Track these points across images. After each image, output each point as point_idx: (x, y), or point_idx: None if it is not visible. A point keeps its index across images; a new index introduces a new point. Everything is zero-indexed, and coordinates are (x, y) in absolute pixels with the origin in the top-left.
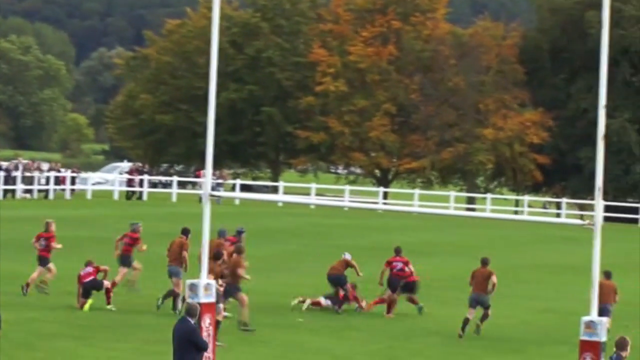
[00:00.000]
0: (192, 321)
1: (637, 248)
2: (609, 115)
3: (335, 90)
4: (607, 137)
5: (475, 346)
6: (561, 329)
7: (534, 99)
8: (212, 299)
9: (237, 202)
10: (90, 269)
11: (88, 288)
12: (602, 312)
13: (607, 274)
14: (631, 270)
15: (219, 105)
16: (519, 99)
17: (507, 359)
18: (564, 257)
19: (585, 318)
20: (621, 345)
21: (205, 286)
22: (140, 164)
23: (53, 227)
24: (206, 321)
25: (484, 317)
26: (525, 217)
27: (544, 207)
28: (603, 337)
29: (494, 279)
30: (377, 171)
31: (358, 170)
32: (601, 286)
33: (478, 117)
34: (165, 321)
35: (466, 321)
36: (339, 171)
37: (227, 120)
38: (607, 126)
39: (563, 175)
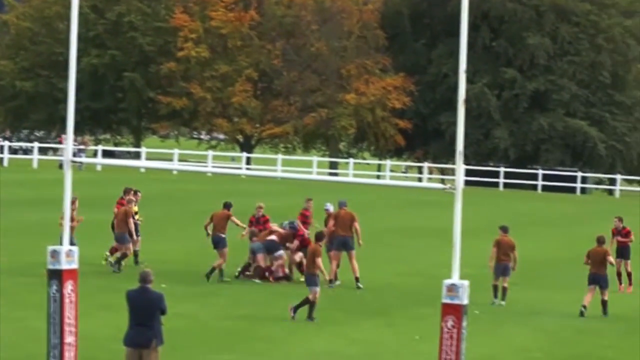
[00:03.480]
0: (150, 287)
1: (498, 211)
2: (469, 81)
3: (197, 55)
4: (467, 102)
5: (338, 309)
6: (424, 291)
7: (395, 64)
8: (75, 265)
9: (99, 168)
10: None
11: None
12: (504, 271)
13: (504, 229)
14: (493, 233)
15: (80, 71)
16: (381, 64)
17: (371, 322)
18: (426, 220)
19: (447, 281)
20: None
21: (67, 252)
22: None
23: None
24: (68, 288)
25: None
26: (387, 181)
27: (404, 172)
28: (465, 300)
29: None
30: (240, 137)
31: (221, 136)
32: (499, 244)
33: (340, 83)
34: (24, 288)
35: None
36: (202, 137)
37: (89, 86)
38: (467, 91)
39: (424, 139)
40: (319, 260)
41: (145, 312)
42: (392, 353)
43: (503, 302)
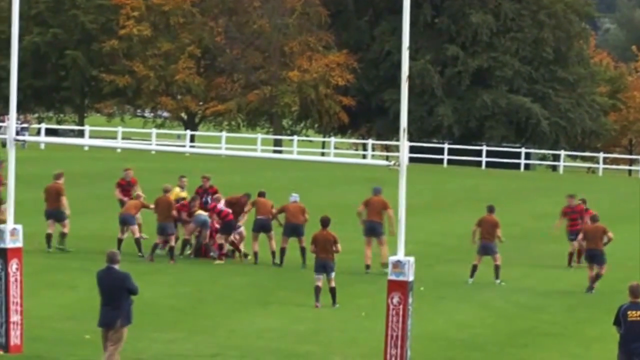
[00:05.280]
0: (117, 267)
1: (442, 188)
2: (411, 58)
3: (139, 33)
4: (410, 78)
5: (282, 288)
6: (371, 268)
7: (338, 41)
8: (20, 244)
9: (42, 146)
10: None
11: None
12: (487, 250)
13: (490, 209)
14: (437, 210)
15: (22, 49)
16: (324, 41)
17: (309, 300)
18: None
19: (393, 258)
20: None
21: (11, 231)
22: None
23: None
24: (13, 266)
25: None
26: (332, 158)
27: (351, 149)
28: (410, 277)
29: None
30: (183, 114)
31: (165, 114)
32: (483, 222)
33: (283, 60)
34: None
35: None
36: (146, 115)
37: (31, 64)
38: (410, 68)
39: (368, 117)
40: (339, 246)
41: (111, 292)
42: (338, 330)
43: (498, 281)
